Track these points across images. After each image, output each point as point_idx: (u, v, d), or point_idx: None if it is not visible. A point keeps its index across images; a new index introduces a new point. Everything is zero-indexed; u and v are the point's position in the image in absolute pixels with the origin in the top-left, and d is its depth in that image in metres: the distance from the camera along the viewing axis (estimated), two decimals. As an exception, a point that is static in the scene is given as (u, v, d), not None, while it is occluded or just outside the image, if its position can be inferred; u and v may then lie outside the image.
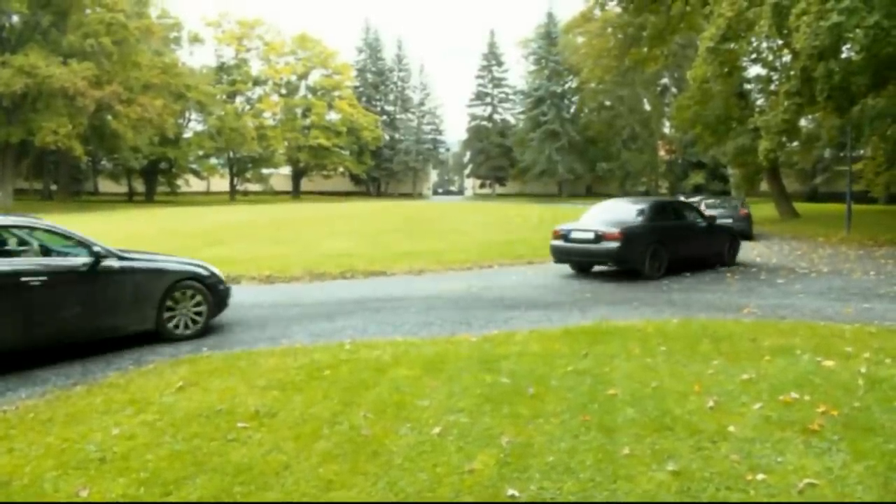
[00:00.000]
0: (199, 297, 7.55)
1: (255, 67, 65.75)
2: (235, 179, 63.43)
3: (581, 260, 12.78)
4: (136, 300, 7.13)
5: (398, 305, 9.33)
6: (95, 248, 6.86)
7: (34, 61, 35.09)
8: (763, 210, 30.43)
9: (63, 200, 47.17)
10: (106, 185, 60.00)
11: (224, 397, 4.92)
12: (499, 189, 74.13)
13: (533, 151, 63.13)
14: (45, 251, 6.88)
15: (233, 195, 61.98)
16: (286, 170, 69.52)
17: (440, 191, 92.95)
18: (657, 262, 12.25)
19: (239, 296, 10.20)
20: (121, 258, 7.06)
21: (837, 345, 6.30)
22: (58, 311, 6.55)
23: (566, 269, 13.09)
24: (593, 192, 69.17)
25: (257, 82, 65.73)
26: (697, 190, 44.04)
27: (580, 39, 44.97)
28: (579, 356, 5.99)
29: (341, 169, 70.11)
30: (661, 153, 56.71)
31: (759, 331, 6.99)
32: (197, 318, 7.54)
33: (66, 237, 6.91)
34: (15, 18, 39.45)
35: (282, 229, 22.76)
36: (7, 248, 6.75)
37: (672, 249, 12.56)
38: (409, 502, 3.38)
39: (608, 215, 13.04)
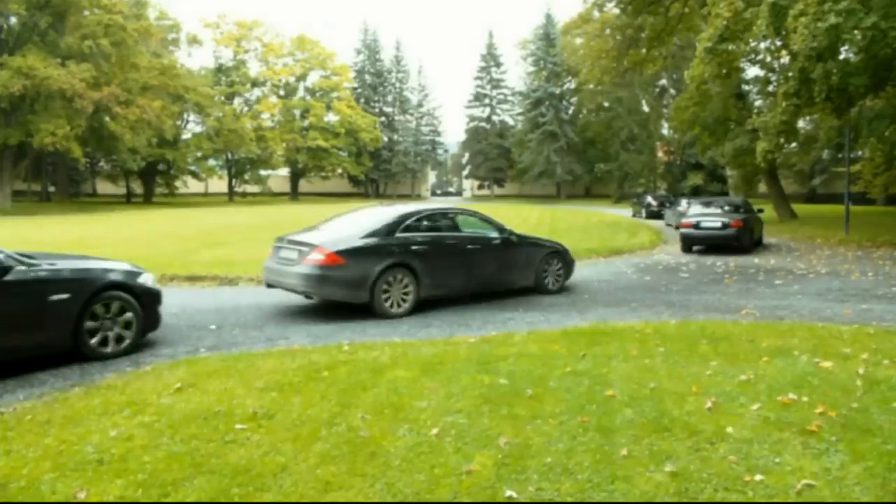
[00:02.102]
0: (561, 265, 10.79)
1: (254, 69, 65.87)
2: (234, 181, 63.46)
3: (707, 242, 17.37)
4: (526, 265, 10.31)
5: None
6: (504, 229, 10.24)
7: (32, 63, 35.04)
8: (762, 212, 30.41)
9: (61, 202, 47.17)
10: (104, 187, 60.02)
11: (222, 399, 4.91)
12: (497, 190, 74.15)
13: (531, 153, 63.20)
14: (456, 228, 9.87)
15: (231, 196, 61.99)
16: (284, 171, 69.57)
17: (438, 192, 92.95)
18: (752, 242, 17.65)
19: (237, 297, 10.21)
20: (519, 237, 10.44)
21: (835, 346, 6.31)
22: (484, 269, 9.82)
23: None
24: (592, 193, 69.26)
25: (256, 83, 65.77)
26: (696, 191, 44.07)
27: (578, 41, 45.00)
28: (577, 357, 5.99)
29: (340, 170, 70.14)
30: (660, 154, 56.70)
31: (757, 332, 7.00)
32: (558, 279, 10.71)
33: (485, 220, 10.28)
34: (13, 20, 39.40)
35: (281, 231, 22.73)
36: (453, 224, 9.90)
37: (754, 232, 18.11)
38: (408, 503, 3.38)
39: (720, 209, 18.24)
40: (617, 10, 30.75)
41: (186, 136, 55.86)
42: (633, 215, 35.79)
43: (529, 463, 3.76)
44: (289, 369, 5.70)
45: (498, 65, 73.25)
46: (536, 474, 3.62)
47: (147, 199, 54.39)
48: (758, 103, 29.79)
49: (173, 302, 8.55)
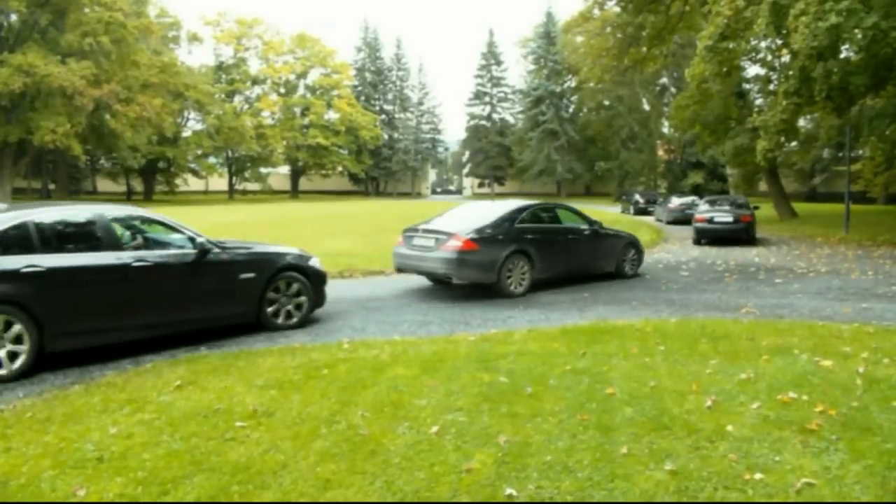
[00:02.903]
0: (636, 253, 12.47)
1: (254, 66, 65.84)
2: (234, 178, 63.41)
3: (719, 235, 18.94)
4: (610, 252, 11.95)
5: (397, 304, 9.33)
6: (594, 222, 11.83)
7: (32, 60, 35.02)
8: (761, 210, 30.43)
9: (61, 199, 47.14)
10: (104, 184, 59.96)
11: (222, 396, 4.91)
12: (497, 188, 74.04)
13: (531, 151, 63.14)
14: (558, 220, 11.54)
15: (231, 194, 61.97)
16: (285, 169, 69.54)
17: (439, 190, 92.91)
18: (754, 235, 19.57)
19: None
20: (604, 229, 11.94)
21: (835, 344, 6.30)
22: (581, 256, 11.47)
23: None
24: (592, 191, 69.25)
25: (256, 81, 65.73)
26: (696, 189, 44.12)
27: (579, 39, 44.96)
28: (577, 355, 5.99)
29: (340, 168, 70.14)
30: (660, 153, 56.65)
31: (757, 330, 7.00)
32: (633, 265, 12.43)
33: (577, 214, 11.98)
34: (13, 17, 39.36)
35: (280, 228, 22.74)
36: (555, 217, 11.60)
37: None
38: (407, 502, 3.38)
39: (727, 206, 20.06)
40: (617, 9, 30.72)
41: (187, 133, 55.85)
42: (622, 212, 37.83)
43: (529, 461, 3.76)
44: (289, 367, 5.70)
45: (498, 63, 73.17)
46: (536, 472, 3.62)
47: (147, 197, 54.37)
48: (758, 102, 29.76)
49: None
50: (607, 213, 34.63)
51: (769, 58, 24.98)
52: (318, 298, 8.09)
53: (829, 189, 46.20)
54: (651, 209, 34.06)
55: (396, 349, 6.35)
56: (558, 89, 63.02)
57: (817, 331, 6.98)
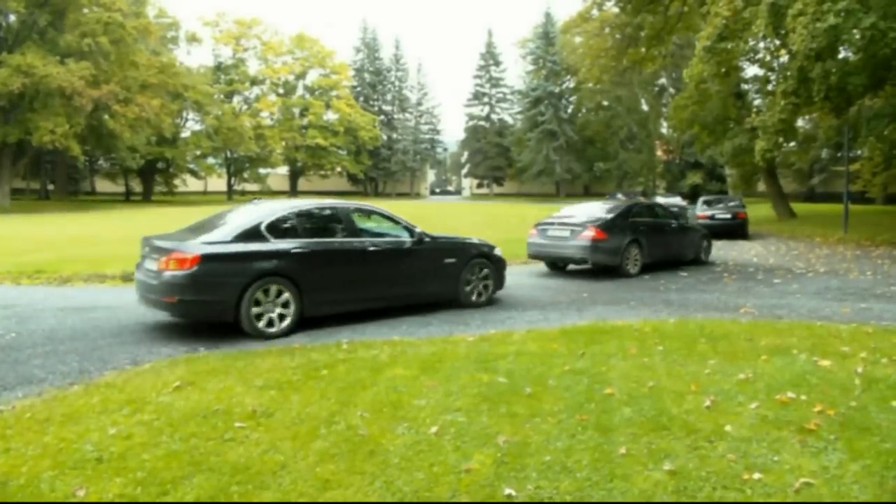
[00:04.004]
0: (707, 244, 14.69)
1: (253, 67, 65.68)
2: (233, 179, 63.33)
3: (721, 230, 20.96)
4: (692, 243, 14.16)
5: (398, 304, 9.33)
6: (679, 217, 14.36)
7: (31, 61, 34.93)
8: (760, 210, 30.47)
9: (60, 200, 47.09)
10: (103, 185, 59.88)
11: (221, 397, 4.91)
12: (496, 189, 74.11)
13: (530, 151, 63.17)
14: (657, 215, 13.83)
15: (230, 195, 61.87)
16: (284, 169, 69.47)
17: (437, 191, 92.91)
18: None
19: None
20: (688, 223, 14.62)
21: (834, 344, 6.31)
22: (674, 245, 13.69)
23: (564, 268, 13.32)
24: (591, 191, 69.32)
25: (255, 82, 65.61)
26: (694, 190, 44.19)
27: (578, 39, 44.93)
28: (576, 356, 5.99)
29: (339, 169, 70.08)
30: (659, 153, 56.84)
31: (755, 330, 7.01)
32: (707, 254, 14.65)
33: (669, 211, 14.44)
34: (12, 18, 39.28)
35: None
36: (655, 212, 13.94)
37: None
38: (407, 502, 3.38)
39: (724, 206, 22.70)
40: (616, 9, 30.75)
41: (185, 134, 55.70)
42: None
43: (528, 461, 3.76)
44: (288, 368, 5.70)
45: (497, 63, 73.16)
46: (535, 472, 3.62)
47: (146, 198, 54.31)
48: (757, 102, 29.77)
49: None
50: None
51: (767, 58, 25.02)
52: (500, 281, 9.52)
53: (827, 189, 46.26)
54: None
55: (395, 350, 6.35)
56: (557, 90, 63.05)
57: (816, 331, 7.00)
